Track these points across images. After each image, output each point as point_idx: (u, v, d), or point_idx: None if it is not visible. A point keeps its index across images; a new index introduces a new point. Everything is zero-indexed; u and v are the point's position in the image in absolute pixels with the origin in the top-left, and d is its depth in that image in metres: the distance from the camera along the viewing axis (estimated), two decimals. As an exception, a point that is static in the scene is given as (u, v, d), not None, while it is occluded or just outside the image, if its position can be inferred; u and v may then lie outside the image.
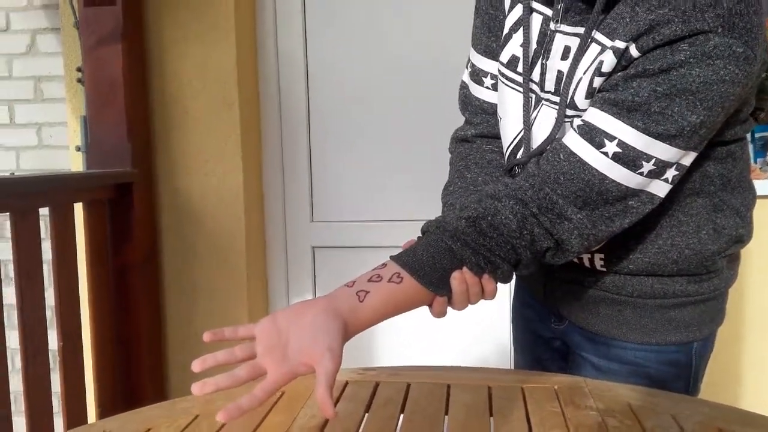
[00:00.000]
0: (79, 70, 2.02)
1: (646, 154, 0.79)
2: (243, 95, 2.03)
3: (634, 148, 0.79)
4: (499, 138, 1.03)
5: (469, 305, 0.81)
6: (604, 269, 0.97)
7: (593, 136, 0.80)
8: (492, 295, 0.80)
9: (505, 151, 1.00)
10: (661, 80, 0.77)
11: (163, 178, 2.01)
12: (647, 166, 0.80)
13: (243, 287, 2.04)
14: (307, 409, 0.93)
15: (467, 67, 1.08)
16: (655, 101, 0.77)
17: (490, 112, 1.05)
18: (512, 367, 1.29)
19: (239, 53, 2.00)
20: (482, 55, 1.03)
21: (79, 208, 1.78)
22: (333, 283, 2.20)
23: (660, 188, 0.83)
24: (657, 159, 0.79)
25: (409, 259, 0.77)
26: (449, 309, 0.80)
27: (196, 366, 0.71)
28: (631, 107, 0.79)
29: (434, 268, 0.76)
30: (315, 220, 2.21)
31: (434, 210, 2.03)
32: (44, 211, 1.64)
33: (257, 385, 0.69)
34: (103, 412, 1.83)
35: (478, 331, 2.10)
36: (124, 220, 1.87)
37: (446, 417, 0.91)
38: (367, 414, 0.92)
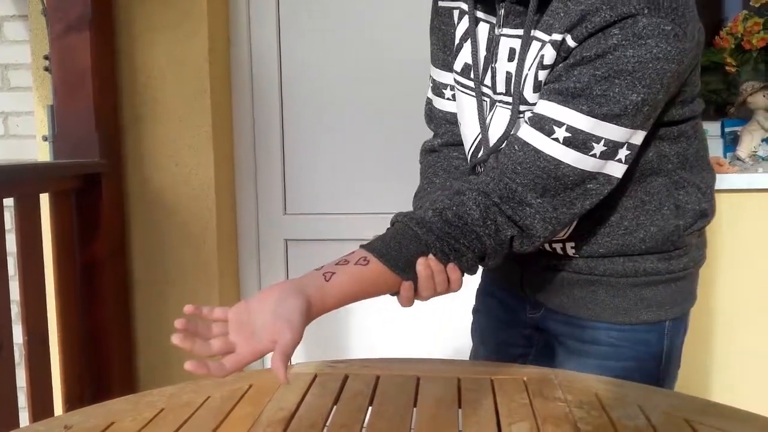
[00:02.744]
0: (46, 58, 1.98)
1: (594, 135, 0.83)
2: (215, 86, 2.01)
3: (582, 131, 0.83)
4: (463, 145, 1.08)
5: (436, 296, 0.83)
6: (576, 255, 1.00)
7: (543, 124, 0.85)
8: (457, 285, 0.82)
9: (467, 155, 1.05)
10: (599, 65, 0.81)
11: (132, 169, 1.98)
12: (598, 148, 0.83)
13: (214, 281, 2.02)
14: (274, 402, 0.92)
15: (430, 83, 1.14)
16: (596, 85, 0.82)
17: (452, 121, 1.10)
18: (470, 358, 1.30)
19: (211, 43, 1.98)
20: (440, 68, 1.09)
21: (45, 200, 1.74)
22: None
23: (615, 169, 0.86)
24: (606, 140, 0.83)
25: (376, 244, 0.80)
26: (418, 302, 0.81)
27: (176, 337, 0.71)
28: (574, 93, 0.83)
29: (400, 253, 0.79)
30: (288, 212, 2.20)
31: (408, 203, 2.02)
32: (9, 202, 1.60)
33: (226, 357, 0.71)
34: (70, 407, 1.80)
35: (447, 323, 2.10)
36: (91, 212, 1.84)
37: (415, 409, 0.91)
38: (335, 406, 0.91)
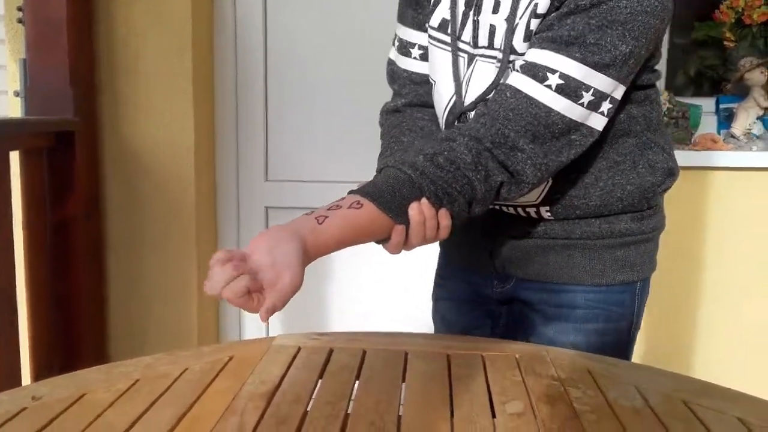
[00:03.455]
0: (19, 9, 1.88)
1: (585, 84, 0.85)
2: (197, 46, 1.92)
3: (574, 78, 0.85)
4: (429, 107, 1.07)
5: (424, 244, 0.84)
6: (552, 218, 1.01)
7: (536, 72, 0.86)
8: (446, 232, 0.82)
9: (441, 116, 1.03)
10: (593, 14, 0.84)
11: (108, 129, 1.90)
12: (587, 97, 0.86)
13: (192, 247, 1.96)
14: (256, 375, 0.87)
15: (393, 44, 1.12)
16: (590, 33, 0.84)
17: (418, 81, 1.09)
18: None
19: (194, 0, 1.89)
20: (409, 27, 1.08)
21: (15, 157, 1.67)
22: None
23: (598, 121, 0.89)
24: (594, 89, 0.86)
25: (368, 188, 0.79)
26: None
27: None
28: (568, 41, 0.85)
29: (393, 196, 0.78)
30: (269, 179, 2.13)
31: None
32: (-24, 159, 1.53)
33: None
34: (39, 375, 1.75)
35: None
36: (64, 171, 1.77)
37: (404, 384, 0.87)
38: (320, 380, 0.87)
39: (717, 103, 2.09)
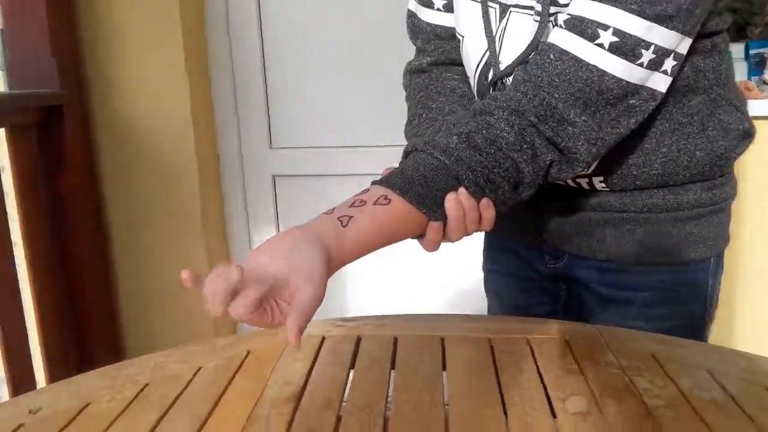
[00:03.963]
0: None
1: (644, 40, 0.71)
2: (186, 11, 1.79)
3: (631, 35, 0.71)
4: (457, 64, 0.95)
5: (465, 236, 0.71)
6: (607, 189, 0.88)
7: (584, 28, 0.72)
8: (489, 224, 0.69)
9: (472, 77, 0.90)
10: None
11: (97, 101, 1.78)
12: (647, 55, 0.72)
13: (197, 219, 1.86)
14: (278, 374, 0.78)
15: None
16: None
17: (444, 36, 0.95)
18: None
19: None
20: None
21: (2, 135, 1.55)
22: (296, 215, 2.03)
23: (660, 82, 0.75)
24: (656, 46, 0.72)
25: (396, 180, 0.65)
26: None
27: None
28: None
29: (426, 187, 0.65)
30: (274, 146, 2.02)
31: (401, 134, 1.82)
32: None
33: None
34: (50, 356, 1.66)
35: (458, 273, 1.97)
36: (55, 146, 1.66)
37: (444, 376, 0.77)
38: (350, 377, 0.77)
39: (746, 49, 1.95)
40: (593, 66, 0.71)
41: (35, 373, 1.58)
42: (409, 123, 0.94)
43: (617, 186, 0.87)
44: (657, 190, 0.86)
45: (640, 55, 0.71)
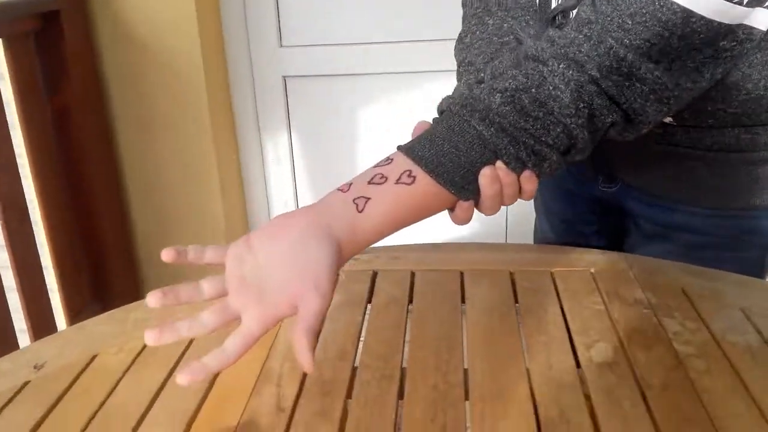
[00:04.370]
0: None
1: None
2: None
3: None
4: None
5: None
6: (674, 123, 0.76)
7: None
8: (531, 196, 0.59)
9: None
10: None
11: (97, 5, 1.67)
12: None
13: (206, 122, 1.79)
14: (290, 321, 0.74)
15: None
16: None
17: None
18: (531, 237, 1.11)
19: None
20: None
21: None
22: (309, 119, 1.94)
23: (762, 18, 0.57)
24: None
25: (424, 151, 0.55)
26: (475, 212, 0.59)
27: (152, 300, 0.51)
28: None
29: (458, 164, 0.54)
30: (284, 45, 1.91)
31: (425, 29, 1.71)
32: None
33: (229, 335, 0.50)
34: (64, 279, 1.67)
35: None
36: (55, 55, 1.57)
37: (463, 317, 0.74)
38: (365, 321, 0.74)
39: None
40: (677, 5, 0.55)
41: (48, 291, 1.59)
42: (460, 40, 0.82)
43: (687, 122, 0.75)
44: (731, 129, 0.74)
45: None
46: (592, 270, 0.82)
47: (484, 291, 0.79)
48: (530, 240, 1.12)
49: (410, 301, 0.78)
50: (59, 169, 1.65)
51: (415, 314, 0.74)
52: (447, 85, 0.89)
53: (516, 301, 0.77)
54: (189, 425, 0.59)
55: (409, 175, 0.54)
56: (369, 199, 0.53)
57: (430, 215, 0.56)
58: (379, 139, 1.96)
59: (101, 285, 1.82)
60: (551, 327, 0.71)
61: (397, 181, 0.54)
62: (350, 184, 0.54)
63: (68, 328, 0.76)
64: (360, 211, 0.53)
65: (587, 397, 0.60)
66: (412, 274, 0.83)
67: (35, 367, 0.69)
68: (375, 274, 0.84)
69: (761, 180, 0.77)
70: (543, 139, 0.54)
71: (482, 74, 0.70)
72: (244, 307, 0.51)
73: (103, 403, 0.63)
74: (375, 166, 0.56)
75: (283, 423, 0.59)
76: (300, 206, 2.06)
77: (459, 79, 0.75)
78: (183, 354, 0.69)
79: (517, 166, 0.55)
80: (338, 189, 0.55)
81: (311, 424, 0.58)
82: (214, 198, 1.88)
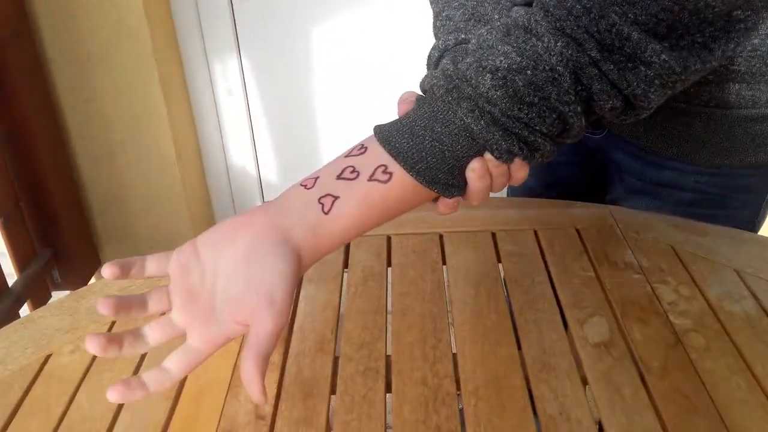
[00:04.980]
0: None
1: None
2: None
3: None
4: None
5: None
6: None
7: None
8: (521, 182, 0.51)
9: None
10: None
11: None
12: None
13: (147, 45, 1.65)
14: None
15: None
16: None
17: None
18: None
19: None
20: None
21: None
22: (259, 40, 1.79)
23: None
24: None
25: (403, 143, 0.47)
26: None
27: (102, 308, 0.45)
28: None
29: (442, 159, 0.46)
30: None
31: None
32: None
33: (172, 353, 0.44)
34: (8, 227, 1.57)
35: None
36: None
37: (447, 288, 0.70)
38: (342, 304, 0.69)
39: None
40: None
41: None
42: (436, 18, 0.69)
43: None
44: (732, 84, 0.69)
45: None
46: (578, 227, 0.78)
47: (466, 257, 0.74)
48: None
49: (389, 265, 0.73)
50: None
51: (396, 291, 0.70)
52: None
53: (501, 269, 0.72)
54: (161, 440, 0.55)
55: (385, 171, 0.46)
56: (337, 198, 0.46)
57: (406, 210, 0.49)
58: (339, 62, 1.85)
59: (49, 230, 1.72)
60: (540, 300, 0.67)
61: (371, 178, 0.46)
62: (315, 179, 0.47)
63: (14, 323, 0.69)
64: (326, 213, 0.45)
65: (585, 382, 0.58)
66: (389, 239, 0.78)
67: (-16, 374, 0.62)
68: (348, 246, 0.78)
69: (758, 137, 0.72)
70: (537, 128, 0.47)
71: (463, 35, 0.62)
72: (190, 325, 0.44)
73: (62, 417, 0.57)
74: (346, 156, 0.48)
75: (264, 434, 0.54)
76: (255, 138, 1.98)
77: (436, 35, 0.66)
78: (146, 355, 0.64)
79: (508, 158, 0.47)
80: (301, 184, 0.47)
81: (295, 433, 0.54)
82: (163, 136, 1.77)
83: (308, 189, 0.46)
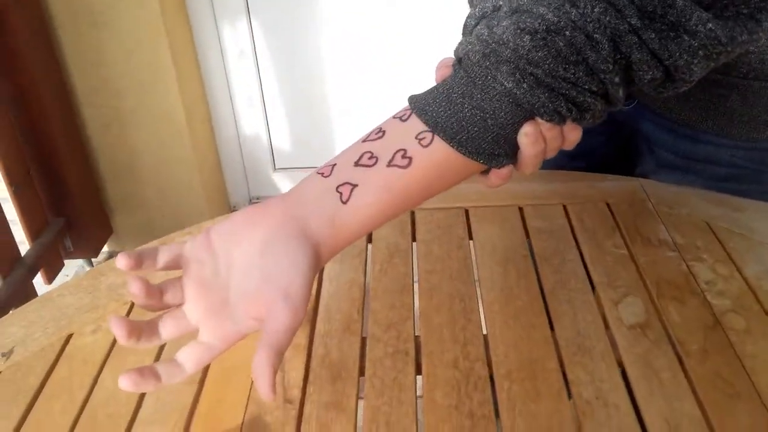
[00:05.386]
0: None
1: None
2: None
3: None
4: None
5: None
6: None
7: None
8: (574, 145, 0.48)
9: None
10: None
11: None
12: None
13: (157, 18, 1.61)
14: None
15: None
16: None
17: None
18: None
19: None
20: None
21: None
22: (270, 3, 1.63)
23: None
24: None
25: (440, 112, 0.44)
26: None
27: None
28: None
29: (485, 128, 0.43)
30: None
31: None
32: None
33: (185, 345, 0.43)
34: (19, 195, 1.55)
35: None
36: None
37: (475, 262, 0.68)
38: (368, 288, 0.68)
39: None
40: None
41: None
42: None
43: None
44: None
45: None
46: (609, 201, 0.76)
47: (492, 233, 0.72)
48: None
49: (413, 240, 0.71)
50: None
51: (422, 269, 0.68)
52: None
53: (530, 246, 0.70)
54: (188, 423, 0.54)
55: (404, 156, 0.43)
56: (355, 186, 0.43)
57: (447, 187, 0.47)
58: (353, 25, 1.81)
59: (60, 198, 1.71)
60: (572, 279, 0.65)
61: (390, 163, 0.43)
62: (332, 166, 0.44)
63: (32, 302, 0.67)
64: (344, 202, 0.43)
65: (620, 365, 0.56)
66: (412, 214, 0.76)
67: (3, 355, 0.61)
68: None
69: None
70: (586, 86, 0.43)
71: (501, 1, 0.59)
72: (202, 320, 0.43)
73: (86, 400, 0.56)
74: (364, 140, 0.45)
75: (292, 419, 0.53)
76: (266, 103, 1.94)
77: (471, 3, 0.63)
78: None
79: (558, 120, 0.44)
80: (318, 172, 0.44)
81: (324, 419, 0.53)
82: (173, 98, 1.74)
83: (325, 177, 0.44)
